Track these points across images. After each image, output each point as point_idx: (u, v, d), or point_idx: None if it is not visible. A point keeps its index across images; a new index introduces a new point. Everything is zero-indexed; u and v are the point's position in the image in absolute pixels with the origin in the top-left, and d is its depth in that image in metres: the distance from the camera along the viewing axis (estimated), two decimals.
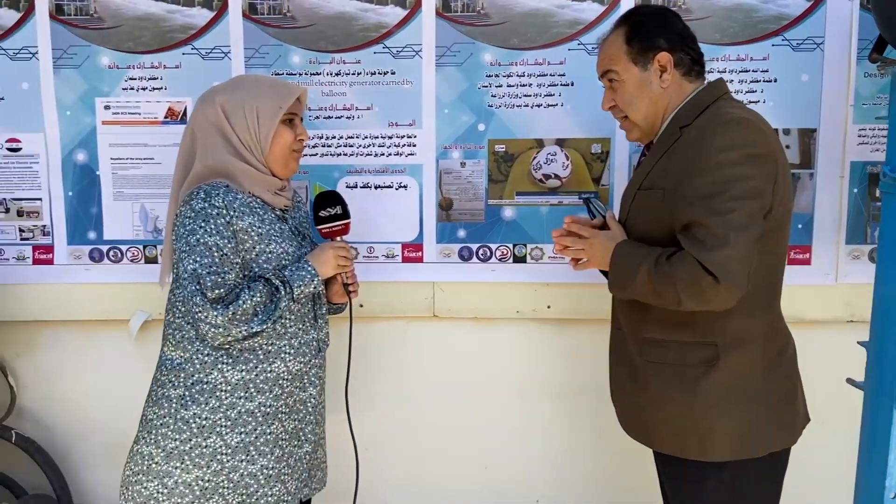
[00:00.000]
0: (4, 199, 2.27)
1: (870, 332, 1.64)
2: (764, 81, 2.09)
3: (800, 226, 2.12)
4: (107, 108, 2.22)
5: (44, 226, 2.28)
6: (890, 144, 1.58)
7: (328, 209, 1.71)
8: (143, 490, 1.64)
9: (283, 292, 1.60)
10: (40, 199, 2.27)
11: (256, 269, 1.63)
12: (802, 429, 1.60)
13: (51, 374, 2.39)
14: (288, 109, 1.68)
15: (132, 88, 2.21)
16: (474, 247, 2.22)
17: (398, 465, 2.37)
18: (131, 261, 2.26)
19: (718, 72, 2.08)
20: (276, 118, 1.65)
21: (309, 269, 1.65)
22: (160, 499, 1.63)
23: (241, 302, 1.56)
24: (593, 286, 2.16)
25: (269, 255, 1.64)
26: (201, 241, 1.56)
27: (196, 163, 1.65)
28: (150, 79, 2.20)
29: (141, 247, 2.26)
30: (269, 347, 1.66)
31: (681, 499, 1.62)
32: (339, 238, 1.74)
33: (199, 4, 2.16)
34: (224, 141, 1.65)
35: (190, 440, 1.63)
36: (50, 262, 2.29)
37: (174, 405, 1.64)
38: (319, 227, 1.71)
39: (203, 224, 1.56)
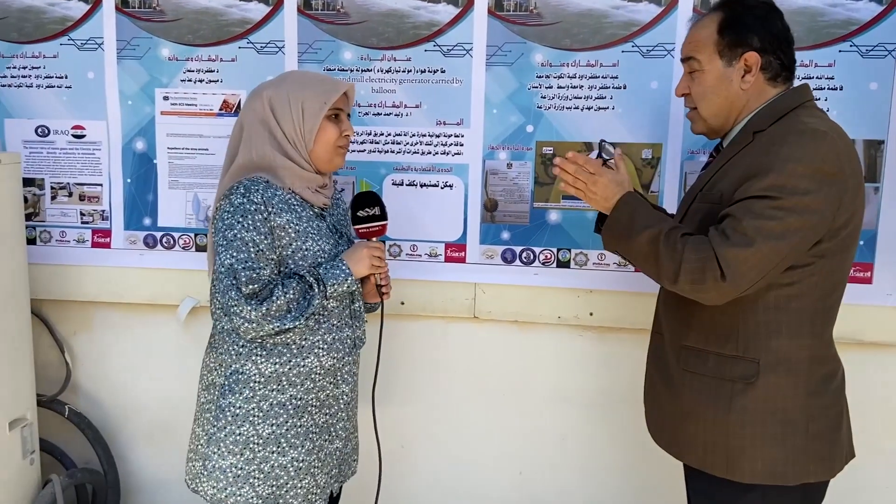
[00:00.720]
0: (68, 183, 2.37)
1: None
2: (829, 89, 1.99)
3: (862, 242, 2.02)
4: (165, 98, 2.29)
5: (103, 210, 2.36)
6: None
7: (366, 209, 1.71)
8: (192, 468, 1.72)
9: (316, 290, 1.61)
10: (101, 185, 2.36)
11: (292, 266, 1.65)
12: (844, 464, 1.52)
13: (103, 353, 2.48)
14: (334, 105, 1.69)
15: (190, 80, 2.27)
16: (518, 249, 2.19)
17: (432, 463, 2.37)
18: (183, 248, 2.33)
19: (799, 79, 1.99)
20: (321, 113, 1.66)
21: (343, 267, 1.66)
22: (201, 479, 1.69)
23: (274, 298, 1.58)
24: (639, 295, 2.12)
25: (305, 253, 1.66)
26: (238, 236, 1.58)
27: (239, 155, 1.68)
28: (206, 71, 2.25)
29: (192, 235, 2.32)
30: (303, 342, 1.67)
31: None
32: (374, 239, 1.74)
33: None
34: (269, 135, 1.67)
35: (225, 427, 1.67)
36: (107, 245, 2.37)
37: (216, 392, 1.69)
38: (357, 226, 1.72)
39: (241, 219, 1.59)
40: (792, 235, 1.36)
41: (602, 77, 2.09)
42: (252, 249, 1.59)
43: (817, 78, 2.00)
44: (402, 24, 2.15)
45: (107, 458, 2.42)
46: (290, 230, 1.64)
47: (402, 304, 2.26)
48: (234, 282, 1.58)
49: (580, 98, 2.10)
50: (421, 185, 2.21)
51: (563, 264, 2.18)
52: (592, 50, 2.08)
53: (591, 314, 2.19)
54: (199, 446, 1.71)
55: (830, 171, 1.37)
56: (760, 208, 1.36)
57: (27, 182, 2.38)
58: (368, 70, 2.18)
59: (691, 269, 1.38)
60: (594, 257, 2.16)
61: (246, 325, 1.59)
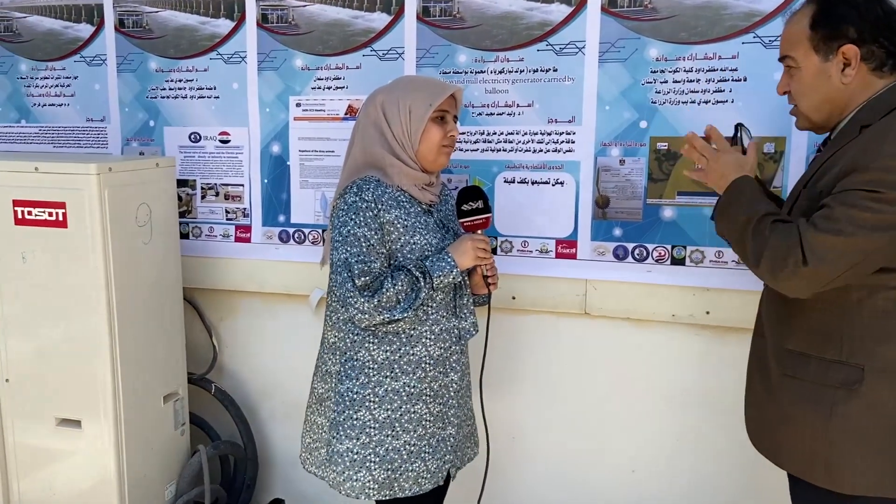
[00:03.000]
0: (216, 183, 2.63)
1: None
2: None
3: None
4: (298, 105, 2.48)
5: (244, 208, 2.60)
6: None
7: (470, 203, 1.78)
8: (317, 456, 1.86)
9: (422, 283, 1.71)
10: (242, 185, 2.60)
11: (401, 259, 1.75)
12: None
13: (246, 338, 2.73)
14: (440, 107, 1.77)
15: (319, 88, 2.44)
16: (630, 246, 2.18)
17: (542, 455, 2.40)
18: (312, 243, 2.52)
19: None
20: (427, 115, 1.76)
21: (449, 260, 1.74)
22: (325, 465, 1.83)
23: (384, 290, 1.69)
24: (758, 294, 2.03)
25: (413, 246, 1.76)
26: (352, 232, 1.71)
27: (354, 154, 1.81)
28: (334, 79, 2.42)
29: (321, 230, 2.50)
30: (412, 332, 1.77)
31: None
32: (479, 231, 1.80)
33: (379, 10, 2.34)
34: (380, 136, 1.79)
35: (343, 412, 1.80)
36: (248, 240, 2.61)
37: (334, 380, 1.82)
38: (461, 220, 1.79)
39: (354, 216, 1.71)
40: (886, 231, 1.29)
41: (720, 70, 2.03)
42: (364, 244, 1.71)
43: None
44: (515, 25, 2.20)
45: (247, 433, 2.66)
46: (398, 225, 1.75)
47: (514, 298, 2.31)
48: (349, 274, 1.70)
49: (697, 92, 2.06)
50: (532, 183, 2.25)
51: (677, 261, 2.14)
52: (710, 42, 2.03)
53: (707, 313, 2.13)
54: (323, 434, 1.85)
55: None
56: (855, 199, 1.31)
57: (182, 183, 2.67)
58: (482, 72, 2.25)
59: (773, 255, 1.35)
60: (711, 254, 2.11)
61: (360, 315, 1.71)
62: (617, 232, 2.19)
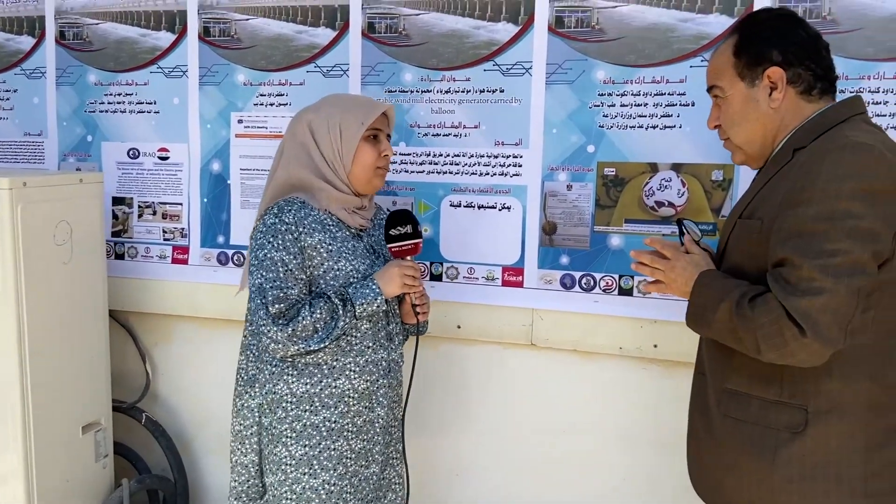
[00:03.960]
0: (153, 202, 2.52)
1: None
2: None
3: None
4: (240, 121, 2.39)
5: (182, 228, 2.49)
6: None
7: (398, 228, 1.69)
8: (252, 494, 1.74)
9: (342, 311, 1.60)
10: (181, 204, 2.49)
11: (323, 285, 1.65)
12: None
13: (181, 365, 2.60)
14: (372, 126, 1.69)
15: (262, 104, 2.35)
16: (577, 275, 2.09)
17: (487, 494, 2.28)
18: None
19: (870, 91, 1.79)
20: (358, 135, 1.67)
21: (373, 287, 1.64)
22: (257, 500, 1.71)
23: (300, 318, 1.58)
24: None
25: (337, 273, 1.65)
26: (269, 255, 1.60)
27: (278, 175, 1.71)
28: (277, 95, 2.33)
29: (243, 252, 2.38)
30: (334, 363, 1.67)
31: None
32: (408, 258, 1.70)
33: (324, 24, 2.26)
34: (307, 158, 1.69)
35: (267, 446, 1.68)
36: (185, 262, 2.49)
37: (255, 414, 1.70)
38: (389, 245, 1.69)
39: (272, 239, 1.61)
40: (862, 266, 1.21)
41: (669, 94, 1.96)
42: (281, 269, 1.60)
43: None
44: (461, 44, 2.13)
45: (178, 466, 2.51)
46: (321, 250, 1.64)
47: (459, 327, 2.21)
48: (262, 301, 1.60)
49: (645, 116, 1.99)
50: (479, 207, 2.17)
51: (625, 292, 2.05)
52: (659, 65, 1.96)
53: (655, 346, 2.04)
54: (254, 469, 1.73)
55: (882, 189, 1.21)
56: (818, 245, 1.21)
57: (118, 201, 2.56)
58: (428, 91, 2.17)
59: (767, 335, 1.23)
60: None
61: (272, 345, 1.60)
62: (564, 260, 2.10)
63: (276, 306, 1.59)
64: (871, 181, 1.21)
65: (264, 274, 1.61)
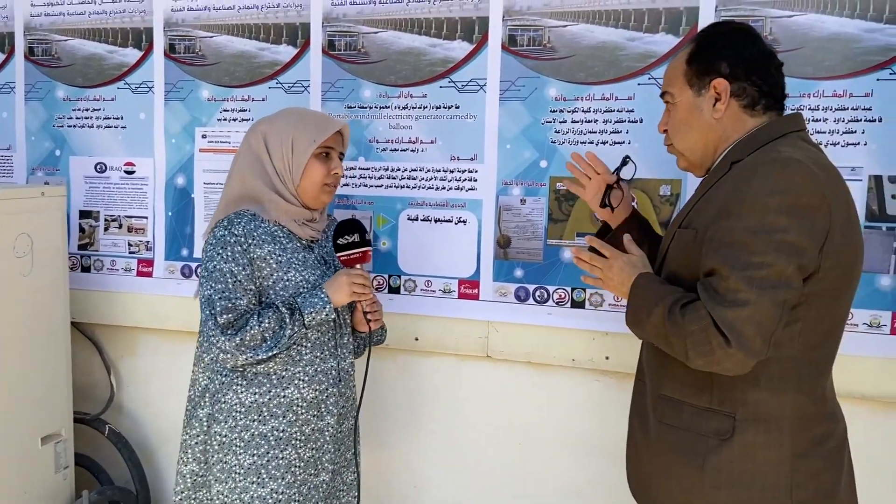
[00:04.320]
0: (119, 215, 2.55)
1: None
2: (866, 121, 1.82)
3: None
4: (204, 136, 2.42)
5: (147, 241, 2.52)
6: None
7: (346, 237, 1.71)
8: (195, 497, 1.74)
9: (289, 320, 1.63)
10: (146, 218, 2.51)
11: (273, 296, 1.68)
12: None
13: (146, 377, 2.61)
14: (324, 144, 1.72)
15: (225, 119, 2.39)
16: (531, 287, 2.12)
17: None
18: None
19: (810, 109, 1.84)
20: (309, 151, 1.70)
21: (322, 296, 1.67)
22: None
23: (248, 328, 1.61)
24: None
25: (287, 283, 1.68)
26: (218, 267, 1.63)
27: (232, 187, 1.74)
28: (240, 110, 2.37)
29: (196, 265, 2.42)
30: (283, 373, 1.69)
31: None
32: (358, 266, 1.73)
33: (286, 42, 2.30)
34: (260, 168, 1.73)
35: (214, 455, 1.70)
36: (150, 274, 2.52)
37: (205, 424, 1.72)
38: (338, 254, 1.72)
39: (221, 251, 1.64)
40: (789, 280, 1.23)
41: (617, 111, 2.01)
42: (230, 280, 1.63)
43: (853, 109, 1.82)
44: (418, 61, 2.17)
45: (139, 479, 2.52)
46: (271, 261, 1.67)
47: (417, 339, 2.24)
48: (211, 312, 1.62)
49: (595, 132, 2.03)
50: (435, 221, 2.20)
51: (577, 304, 2.08)
52: (608, 83, 2.01)
53: (606, 358, 2.07)
54: (198, 479, 1.73)
55: (809, 204, 1.24)
56: (745, 257, 1.24)
57: (86, 214, 2.58)
58: (386, 107, 2.22)
59: (696, 342, 1.26)
60: (610, 298, 2.06)
61: (222, 355, 1.63)
62: (518, 273, 2.13)
63: (225, 317, 1.62)
64: (797, 196, 1.23)
65: (213, 285, 1.63)
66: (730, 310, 1.23)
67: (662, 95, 1.50)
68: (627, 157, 1.63)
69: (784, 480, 1.29)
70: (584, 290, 2.07)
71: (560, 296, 2.10)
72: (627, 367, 2.04)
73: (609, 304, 2.06)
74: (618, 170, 1.64)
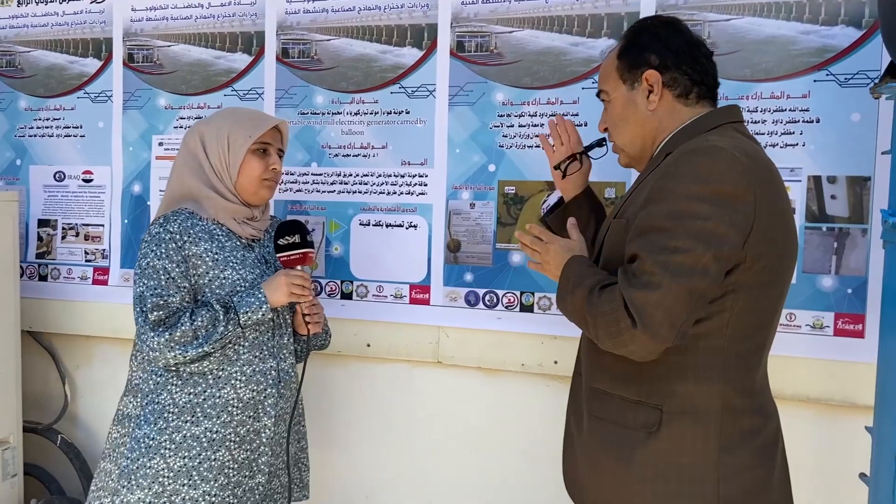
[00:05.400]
0: (76, 224, 2.55)
1: (874, 413, 1.33)
2: (804, 122, 1.83)
3: (850, 290, 1.80)
4: (160, 144, 2.43)
5: (103, 249, 2.51)
6: (893, 183, 1.30)
7: (286, 237, 1.71)
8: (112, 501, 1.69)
9: (222, 318, 1.62)
10: (103, 226, 2.51)
11: (208, 294, 1.67)
12: None
13: (101, 387, 2.59)
14: (261, 140, 1.73)
15: (182, 127, 2.40)
16: (481, 292, 2.12)
17: None
18: None
19: (748, 110, 1.86)
20: (245, 147, 1.71)
21: (259, 295, 1.66)
22: None
23: (179, 325, 1.60)
24: None
25: (223, 281, 1.67)
26: (151, 264, 1.63)
27: (171, 184, 1.75)
28: (196, 118, 2.38)
29: None
30: (220, 373, 1.67)
31: None
32: (298, 267, 1.72)
33: (241, 50, 2.33)
34: (197, 167, 1.73)
35: (138, 460, 1.65)
36: (105, 283, 2.51)
37: (132, 424, 1.70)
38: (278, 255, 1.71)
39: (155, 248, 1.64)
40: (705, 269, 1.22)
41: (562, 115, 2.02)
42: (163, 277, 1.63)
43: (790, 110, 1.84)
44: (369, 67, 2.19)
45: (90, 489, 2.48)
46: (206, 259, 1.67)
47: (368, 346, 2.23)
48: (142, 309, 1.61)
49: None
50: (387, 226, 2.20)
51: (526, 308, 2.08)
52: (553, 88, 2.03)
53: (555, 362, 2.06)
54: (110, 482, 1.71)
55: (731, 193, 1.23)
56: (663, 241, 1.24)
57: (43, 223, 2.58)
58: (339, 113, 2.23)
59: (606, 322, 1.26)
60: None
61: (151, 352, 1.61)
62: (468, 277, 2.13)
63: (156, 314, 1.61)
64: (718, 185, 1.23)
65: (146, 282, 1.63)
66: (640, 292, 1.22)
67: (598, 94, 1.52)
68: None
69: (711, 475, 1.27)
70: (533, 293, 2.07)
71: (509, 300, 2.09)
72: None
73: (557, 308, 2.05)
74: (589, 146, 1.65)
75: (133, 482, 1.64)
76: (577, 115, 2.01)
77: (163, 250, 1.64)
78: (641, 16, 1.93)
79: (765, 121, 1.85)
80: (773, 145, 1.84)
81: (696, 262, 1.22)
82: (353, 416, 2.28)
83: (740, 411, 1.30)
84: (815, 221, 1.83)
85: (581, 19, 1.99)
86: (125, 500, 1.65)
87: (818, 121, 1.82)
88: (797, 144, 1.83)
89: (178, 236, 1.65)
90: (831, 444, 1.87)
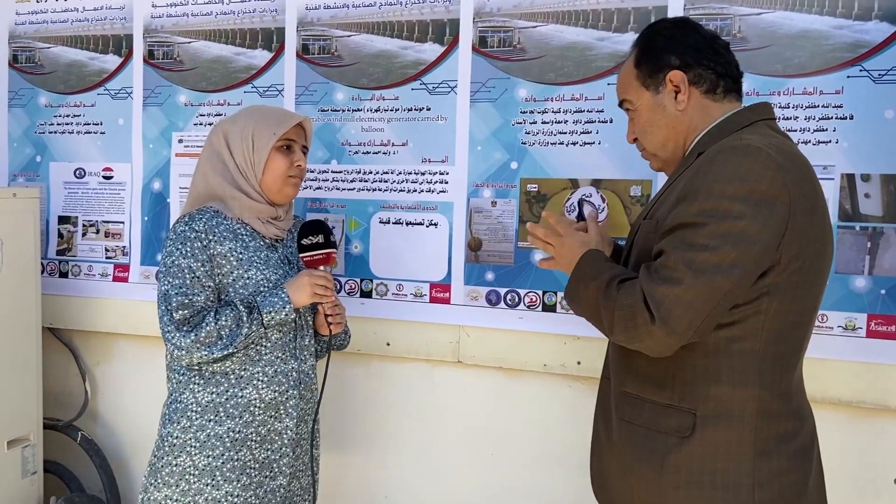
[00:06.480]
0: (97, 220, 2.55)
1: None
2: (837, 118, 1.78)
3: (883, 291, 1.75)
4: (180, 141, 2.42)
5: (124, 246, 2.51)
6: None
7: (310, 237, 1.68)
8: (140, 500, 1.72)
9: (246, 318, 1.60)
10: (123, 223, 2.51)
11: (232, 294, 1.65)
12: None
13: (121, 384, 2.59)
14: (285, 136, 1.71)
15: (201, 124, 2.39)
16: (502, 291, 2.09)
17: None
18: None
19: (780, 107, 1.81)
20: (270, 144, 1.69)
21: (282, 295, 1.64)
22: None
23: (204, 325, 1.58)
24: None
25: (247, 281, 1.66)
26: (176, 262, 1.62)
27: (196, 182, 1.73)
28: (216, 115, 2.37)
29: None
30: (242, 373, 1.66)
31: None
32: (321, 267, 1.70)
33: (261, 46, 2.31)
34: (222, 166, 1.71)
35: (163, 458, 1.67)
36: (125, 279, 2.51)
37: (159, 423, 1.70)
38: (301, 255, 1.69)
39: (180, 246, 1.62)
40: (731, 268, 1.19)
41: (588, 111, 1.99)
42: (188, 276, 1.61)
43: (823, 106, 1.79)
44: (390, 64, 2.17)
45: (110, 487, 2.49)
46: (231, 258, 1.65)
47: (388, 344, 2.20)
48: (167, 307, 1.60)
49: (565, 133, 2.01)
50: (407, 224, 2.18)
51: (549, 308, 2.05)
52: (577, 83, 2.00)
53: (578, 363, 2.03)
54: (144, 477, 1.72)
55: (768, 192, 1.19)
56: (690, 238, 1.21)
57: (64, 220, 2.58)
58: (359, 110, 2.21)
59: (623, 316, 1.23)
60: None
61: (177, 352, 1.60)
62: (489, 276, 2.10)
63: (181, 312, 1.60)
64: (755, 184, 1.20)
65: (171, 280, 1.62)
66: (662, 286, 1.20)
67: (620, 105, 1.48)
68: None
69: (746, 479, 1.24)
70: (556, 293, 2.04)
71: (531, 299, 2.06)
72: (599, 371, 1.98)
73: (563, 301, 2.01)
74: (579, 215, 1.61)
75: (160, 479, 1.65)
76: (601, 111, 1.97)
77: (188, 249, 1.62)
78: (669, 9, 1.89)
79: (797, 117, 1.81)
80: (806, 142, 1.79)
81: (722, 261, 1.19)
82: (372, 415, 2.26)
83: (776, 415, 1.27)
84: (848, 220, 1.78)
85: (607, 13, 1.95)
86: (152, 496, 1.65)
87: (851, 117, 1.77)
88: (830, 142, 1.79)
89: (203, 235, 1.63)
90: (864, 448, 1.82)
